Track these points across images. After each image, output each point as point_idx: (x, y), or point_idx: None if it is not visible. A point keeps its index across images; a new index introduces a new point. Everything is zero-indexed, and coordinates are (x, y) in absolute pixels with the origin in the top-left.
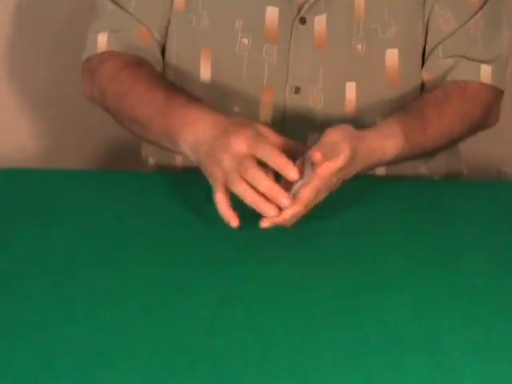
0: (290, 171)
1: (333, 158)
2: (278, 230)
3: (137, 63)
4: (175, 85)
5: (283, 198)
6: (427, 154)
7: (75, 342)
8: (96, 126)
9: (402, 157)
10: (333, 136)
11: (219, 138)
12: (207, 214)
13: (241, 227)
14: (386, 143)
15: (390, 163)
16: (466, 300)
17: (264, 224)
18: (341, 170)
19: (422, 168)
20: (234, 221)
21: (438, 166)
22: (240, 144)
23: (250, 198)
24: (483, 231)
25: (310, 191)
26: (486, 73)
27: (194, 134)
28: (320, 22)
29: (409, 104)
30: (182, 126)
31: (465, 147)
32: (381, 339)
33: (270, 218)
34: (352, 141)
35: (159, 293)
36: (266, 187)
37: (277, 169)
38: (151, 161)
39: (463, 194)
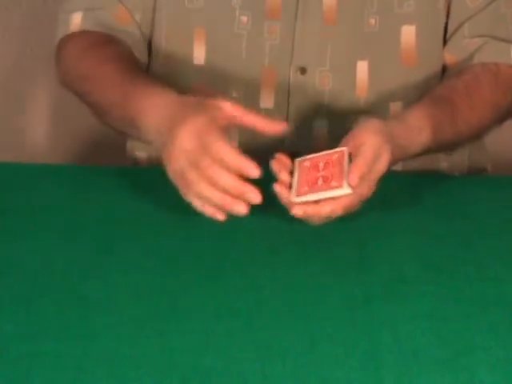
0: (252, 170)
1: (378, 162)
2: (279, 233)
3: (105, 42)
4: (141, 66)
5: (253, 194)
6: (452, 147)
7: (52, 359)
8: (73, 114)
9: (425, 152)
10: (374, 142)
11: (169, 132)
12: (202, 215)
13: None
14: (414, 140)
15: (411, 158)
16: (490, 311)
17: (297, 211)
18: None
19: (443, 162)
20: (253, 169)
21: (460, 160)
22: (188, 141)
23: (216, 198)
24: (510, 233)
25: (354, 197)
26: None
27: (148, 123)
28: None
29: (437, 90)
30: (137, 114)
31: (489, 140)
32: (395, 354)
33: (303, 206)
34: (389, 141)
35: (146, 304)
36: (230, 185)
37: (235, 168)
38: (139, 154)
39: (487, 192)
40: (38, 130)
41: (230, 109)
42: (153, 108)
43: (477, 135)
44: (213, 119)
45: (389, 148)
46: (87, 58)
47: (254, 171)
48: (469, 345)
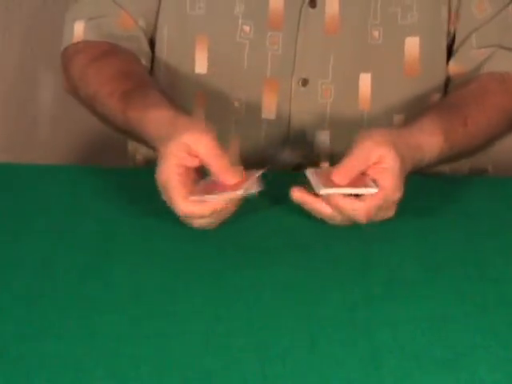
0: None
1: (384, 161)
2: (279, 234)
3: (107, 53)
4: (138, 78)
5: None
6: (466, 154)
7: (52, 359)
8: (73, 115)
9: (442, 157)
10: (363, 144)
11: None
12: None
13: None
14: (425, 140)
15: (429, 166)
16: (490, 311)
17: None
18: (398, 173)
19: (444, 165)
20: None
21: (461, 162)
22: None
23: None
24: (510, 234)
25: (369, 204)
26: None
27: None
28: (332, 4)
29: (443, 99)
30: (142, 136)
31: None
32: (395, 354)
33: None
34: (389, 142)
35: (147, 304)
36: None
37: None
38: (139, 155)
39: (488, 193)
40: (38, 129)
41: (202, 152)
42: (149, 129)
43: (489, 140)
44: (176, 169)
45: (390, 146)
46: (90, 75)
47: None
48: (469, 345)
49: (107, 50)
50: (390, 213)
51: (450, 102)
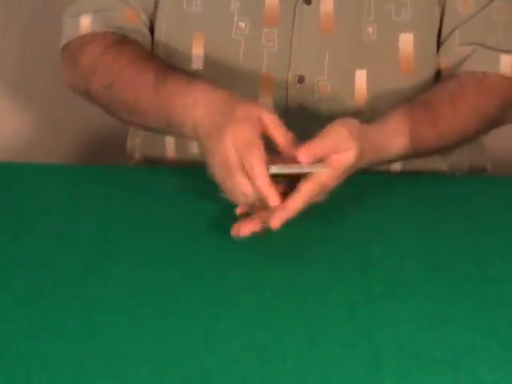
0: (272, 201)
1: (342, 155)
2: (279, 233)
3: (120, 42)
4: (163, 61)
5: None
6: (434, 152)
7: (52, 359)
8: (74, 115)
9: (404, 156)
10: (339, 131)
11: (214, 133)
12: (201, 213)
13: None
14: (391, 142)
15: (389, 162)
16: (490, 311)
17: (275, 223)
18: (349, 167)
19: (443, 163)
20: (274, 199)
21: (460, 160)
22: (228, 151)
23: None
24: (510, 233)
25: (313, 184)
26: (506, 64)
27: (193, 115)
28: (327, 1)
29: (418, 96)
30: (181, 109)
31: (489, 139)
32: (395, 354)
33: (278, 216)
34: (360, 138)
35: (147, 303)
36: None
37: (257, 192)
38: (138, 154)
39: (487, 192)
40: (38, 129)
41: (269, 121)
42: (192, 105)
43: (462, 140)
44: (255, 132)
45: (356, 143)
46: (106, 62)
47: (274, 202)
48: (469, 344)
49: (119, 40)
50: (318, 198)
51: (423, 100)
